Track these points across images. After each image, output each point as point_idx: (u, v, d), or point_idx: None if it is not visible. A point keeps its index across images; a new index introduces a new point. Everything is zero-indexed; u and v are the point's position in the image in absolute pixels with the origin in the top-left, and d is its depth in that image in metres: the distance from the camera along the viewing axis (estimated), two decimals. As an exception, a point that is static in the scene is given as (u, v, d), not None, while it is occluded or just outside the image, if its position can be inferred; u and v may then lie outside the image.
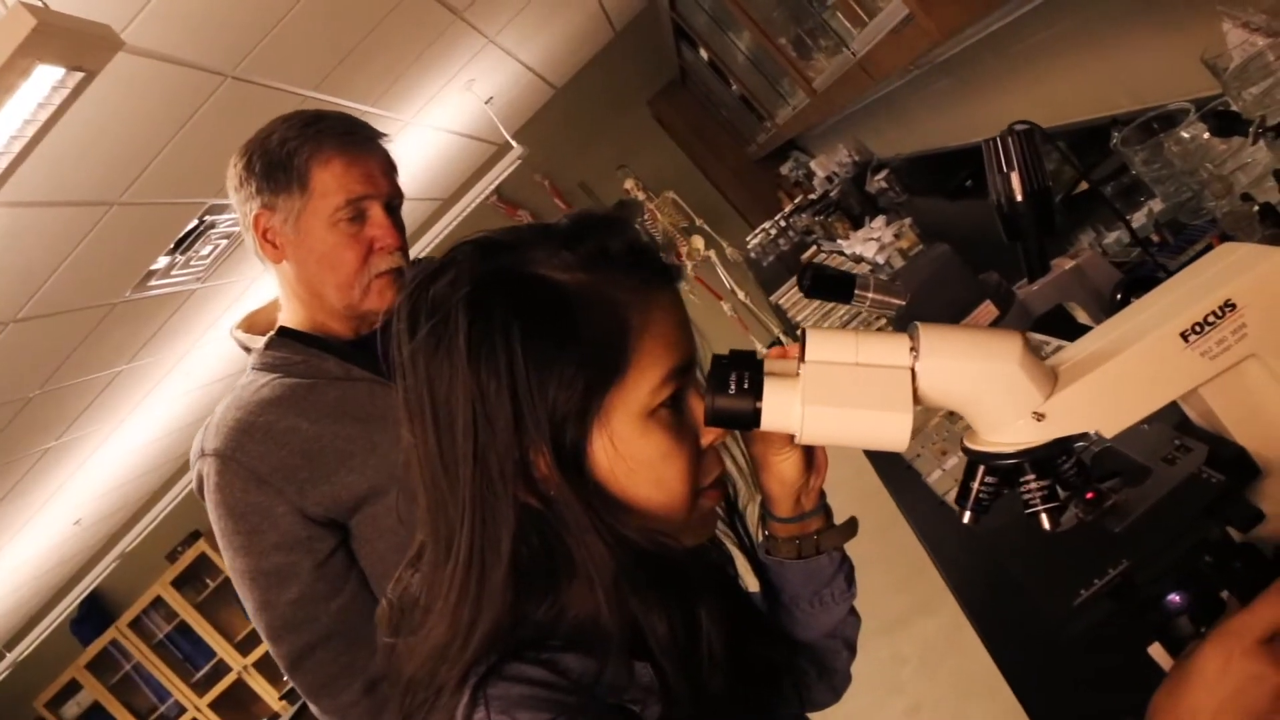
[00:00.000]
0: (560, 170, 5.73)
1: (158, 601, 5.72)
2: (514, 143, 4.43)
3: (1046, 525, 0.59)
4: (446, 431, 0.57)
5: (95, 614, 5.90)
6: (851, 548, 0.75)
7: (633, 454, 0.59)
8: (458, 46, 3.76)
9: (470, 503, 0.57)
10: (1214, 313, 0.57)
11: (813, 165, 4.52)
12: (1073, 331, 1.56)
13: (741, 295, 4.71)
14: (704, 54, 3.67)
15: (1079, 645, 0.75)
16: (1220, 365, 0.58)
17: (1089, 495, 0.64)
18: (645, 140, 5.69)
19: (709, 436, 0.63)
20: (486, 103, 4.71)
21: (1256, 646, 0.51)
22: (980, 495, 0.62)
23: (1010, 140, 0.89)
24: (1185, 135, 1.26)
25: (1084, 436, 0.73)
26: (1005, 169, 0.89)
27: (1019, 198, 0.88)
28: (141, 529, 5.10)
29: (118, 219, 2.83)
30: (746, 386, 0.59)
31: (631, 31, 5.44)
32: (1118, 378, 0.59)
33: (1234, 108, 1.15)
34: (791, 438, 0.66)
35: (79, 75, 1.40)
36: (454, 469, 0.57)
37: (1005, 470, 0.61)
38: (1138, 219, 1.48)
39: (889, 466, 1.54)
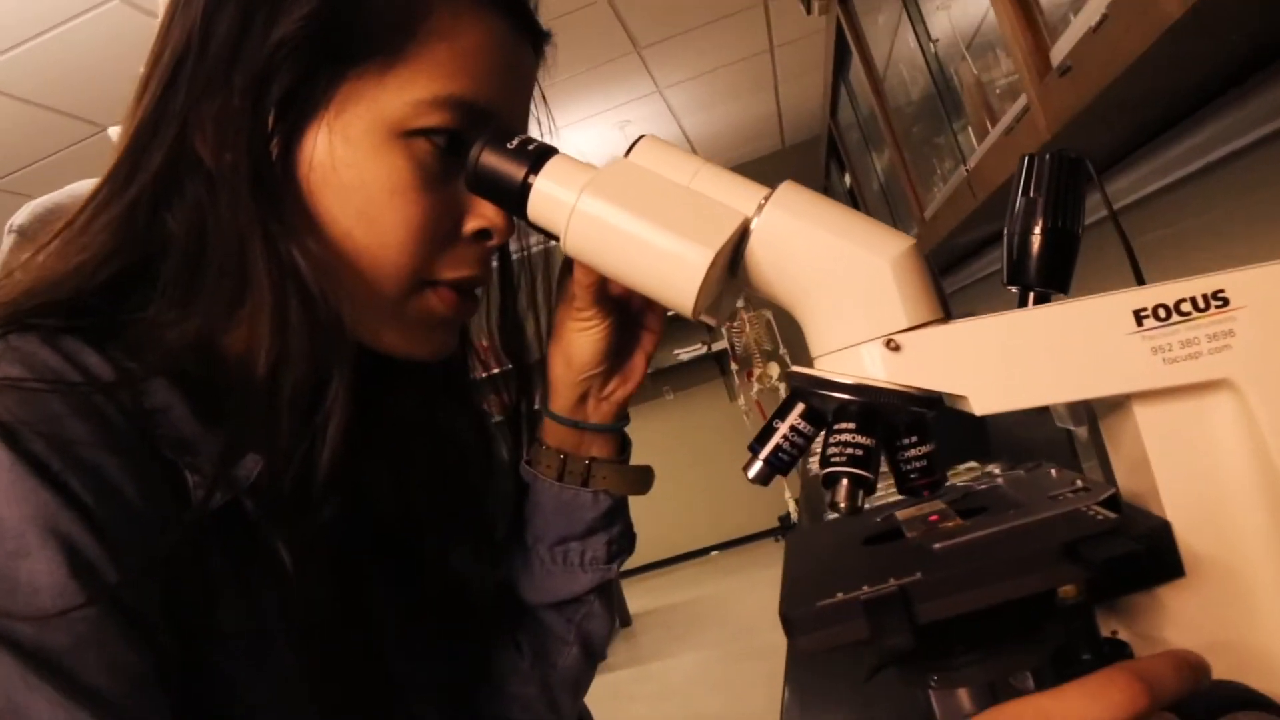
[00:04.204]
0: (677, 248, 5.75)
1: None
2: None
3: (842, 499, 0.39)
4: (162, 36, 0.45)
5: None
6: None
7: (353, 164, 0.44)
8: (626, 80, 3.84)
9: (136, 130, 0.45)
10: (1193, 300, 0.38)
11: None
12: (1045, 422, 1.31)
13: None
14: (847, 179, 3.61)
15: None
16: (1177, 377, 0.38)
17: (931, 517, 0.44)
18: (766, 253, 5.67)
19: (476, 220, 0.48)
20: (634, 152, 4.79)
21: None
22: (783, 442, 0.43)
23: (1049, 162, 0.71)
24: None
25: (989, 479, 0.53)
26: (1032, 193, 0.72)
27: (1036, 230, 0.70)
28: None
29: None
30: (530, 149, 0.44)
31: (797, 150, 5.51)
32: (1018, 336, 0.40)
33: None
34: (595, 297, 0.50)
35: None
36: (150, 85, 0.45)
37: (826, 411, 0.42)
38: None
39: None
